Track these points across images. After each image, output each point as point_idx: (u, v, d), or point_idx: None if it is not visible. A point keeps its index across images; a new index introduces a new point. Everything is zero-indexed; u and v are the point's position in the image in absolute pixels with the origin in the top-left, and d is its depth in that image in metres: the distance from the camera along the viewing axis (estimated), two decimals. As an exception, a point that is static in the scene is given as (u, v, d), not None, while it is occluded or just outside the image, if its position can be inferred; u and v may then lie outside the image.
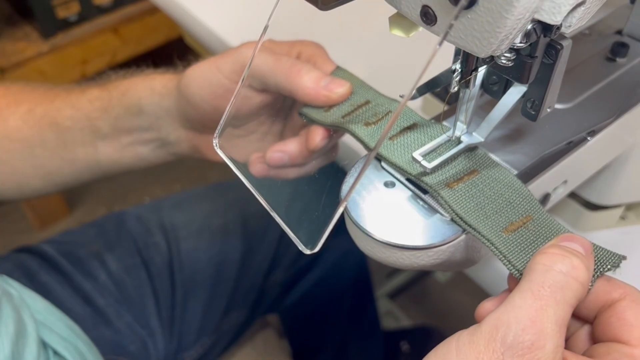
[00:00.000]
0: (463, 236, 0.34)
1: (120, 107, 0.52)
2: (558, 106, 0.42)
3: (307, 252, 0.30)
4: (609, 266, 0.31)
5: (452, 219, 0.34)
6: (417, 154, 0.36)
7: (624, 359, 0.29)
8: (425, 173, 0.36)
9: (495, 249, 0.33)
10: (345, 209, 0.35)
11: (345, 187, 0.36)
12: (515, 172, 0.38)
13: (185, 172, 1.59)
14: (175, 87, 0.50)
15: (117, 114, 0.52)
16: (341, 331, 0.89)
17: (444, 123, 0.39)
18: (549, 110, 0.35)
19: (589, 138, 0.40)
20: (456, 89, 0.34)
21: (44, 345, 0.50)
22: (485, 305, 0.32)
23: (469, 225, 0.34)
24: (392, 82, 0.44)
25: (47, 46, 1.41)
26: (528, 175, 0.38)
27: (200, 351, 0.71)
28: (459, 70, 0.33)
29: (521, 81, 0.32)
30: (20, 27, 1.45)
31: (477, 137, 0.37)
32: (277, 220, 0.32)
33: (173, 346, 0.69)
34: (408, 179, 0.37)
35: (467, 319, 1.17)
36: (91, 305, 0.65)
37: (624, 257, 0.32)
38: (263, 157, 0.46)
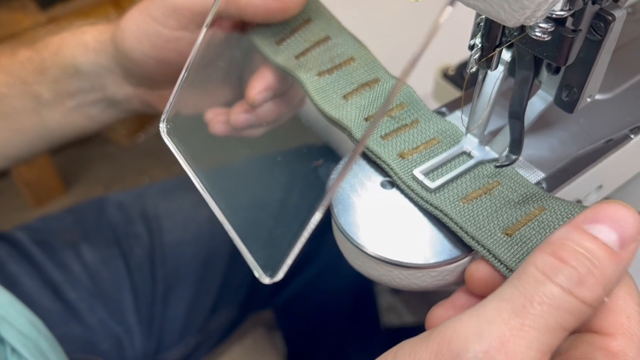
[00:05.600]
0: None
1: (55, 68, 0.47)
2: (597, 96, 0.35)
3: (266, 280, 0.23)
4: None
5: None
6: (418, 172, 0.30)
7: (596, 352, 0.22)
8: (427, 189, 0.29)
9: (486, 252, 0.27)
10: (333, 213, 0.29)
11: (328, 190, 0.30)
12: (543, 175, 0.31)
13: (185, 154, 1.54)
14: (110, 40, 0.45)
15: (54, 77, 0.48)
16: (339, 330, 0.84)
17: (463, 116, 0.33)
18: (589, 100, 0.28)
19: (632, 136, 0.33)
20: (474, 69, 0.28)
21: (2, 341, 0.45)
22: (436, 312, 0.25)
23: (457, 226, 0.28)
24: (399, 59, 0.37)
25: (44, 17, 1.36)
26: (558, 178, 0.31)
27: (183, 351, 0.66)
28: (479, 46, 0.27)
29: (558, 62, 0.25)
30: (17, -3, 1.40)
31: (491, 153, 0.31)
32: (228, 231, 0.25)
33: (152, 345, 0.64)
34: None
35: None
36: (61, 298, 0.60)
37: None
38: (223, 116, 0.41)
